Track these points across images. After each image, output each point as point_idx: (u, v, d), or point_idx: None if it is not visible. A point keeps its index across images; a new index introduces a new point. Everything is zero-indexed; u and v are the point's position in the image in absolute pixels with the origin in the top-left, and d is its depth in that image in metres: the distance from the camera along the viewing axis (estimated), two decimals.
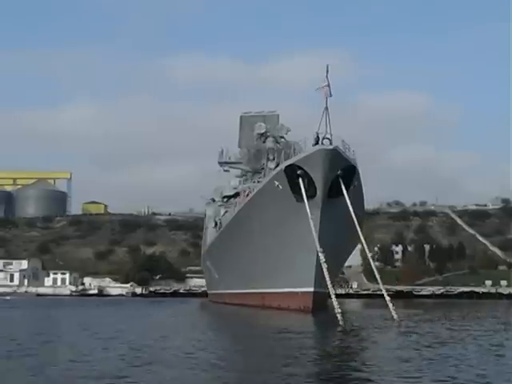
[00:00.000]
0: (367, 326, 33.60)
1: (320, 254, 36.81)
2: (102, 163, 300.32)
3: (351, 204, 40.08)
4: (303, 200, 40.11)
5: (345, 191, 40.17)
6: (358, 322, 37.49)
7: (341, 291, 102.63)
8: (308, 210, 39.14)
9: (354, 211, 40.02)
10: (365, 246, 44.35)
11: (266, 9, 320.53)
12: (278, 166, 63.55)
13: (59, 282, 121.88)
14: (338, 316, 32.26)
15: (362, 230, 41.97)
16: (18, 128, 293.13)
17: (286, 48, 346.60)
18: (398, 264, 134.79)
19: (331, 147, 40.10)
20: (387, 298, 37.34)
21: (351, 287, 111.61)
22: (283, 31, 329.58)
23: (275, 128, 69.03)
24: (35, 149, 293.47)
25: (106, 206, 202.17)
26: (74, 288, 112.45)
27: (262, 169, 63.11)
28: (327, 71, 40.46)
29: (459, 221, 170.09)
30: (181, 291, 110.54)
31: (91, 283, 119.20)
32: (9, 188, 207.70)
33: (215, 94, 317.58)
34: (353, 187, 42.06)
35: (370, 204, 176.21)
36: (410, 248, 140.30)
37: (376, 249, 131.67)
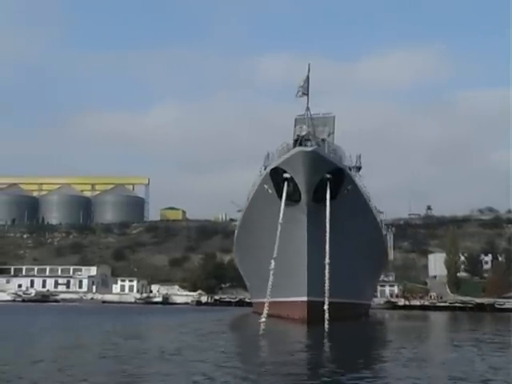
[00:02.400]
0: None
1: (313, 261, 36.56)
2: (183, 167, 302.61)
3: (343, 209, 39.33)
4: (290, 204, 39.19)
5: (328, 196, 38.62)
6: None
7: (415, 303, 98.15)
8: (295, 215, 38.81)
9: (352, 217, 39.86)
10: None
11: (355, 6, 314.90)
12: None
13: (127, 289, 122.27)
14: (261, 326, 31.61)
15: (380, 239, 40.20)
16: (99, 132, 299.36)
17: (378, 46, 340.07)
18: (486, 275, 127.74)
19: (310, 149, 38.64)
20: None
21: (430, 298, 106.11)
22: (373, 29, 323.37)
23: (317, 130, 67.98)
24: (114, 154, 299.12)
25: (184, 212, 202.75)
26: (138, 295, 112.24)
27: None
28: (308, 70, 39.48)
29: None
30: (246, 300, 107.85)
31: (159, 291, 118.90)
32: (87, 194, 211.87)
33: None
34: (346, 191, 40.69)
35: (459, 210, 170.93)
36: (500, 258, 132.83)
37: (462, 258, 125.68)
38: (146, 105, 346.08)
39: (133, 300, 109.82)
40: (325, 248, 38.15)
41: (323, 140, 68.10)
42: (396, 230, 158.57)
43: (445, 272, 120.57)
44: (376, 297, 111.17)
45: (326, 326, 33.22)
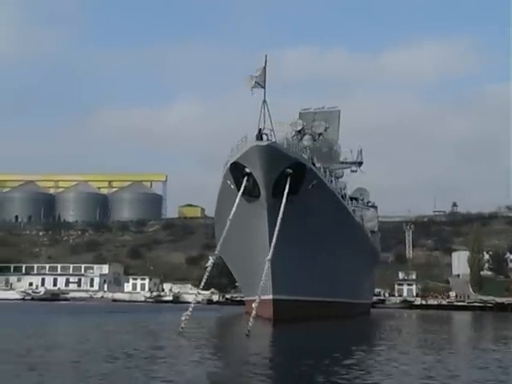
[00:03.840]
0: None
1: (278, 258, 35.64)
2: (202, 164, 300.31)
3: (308, 204, 39.26)
4: (251, 200, 39.29)
5: (286, 191, 38.09)
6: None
7: (432, 302, 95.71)
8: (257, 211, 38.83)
9: (320, 212, 39.67)
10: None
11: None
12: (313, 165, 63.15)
13: (139, 288, 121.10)
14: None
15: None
16: (117, 129, 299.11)
17: (402, 38, 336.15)
18: (511, 274, 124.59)
19: (265, 143, 37.97)
20: None
21: (448, 297, 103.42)
22: (398, 20, 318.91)
23: (313, 125, 67.89)
24: (132, 150, 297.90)
25: (203, 209, 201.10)
26: (148, 294, 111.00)
27: None
28: (265, 61, 38.35)
29: None
30: None
31: (172, 289, 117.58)
32: (104, 191, 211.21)
33: (329, 88, 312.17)
34: (311, 187, 40.20)
35: (484, 207, 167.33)
36: None
37: (487, 256, 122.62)
38: (167, 101, 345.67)
39: (143, 299, 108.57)
40: (290, 243, 38.76)
41: (320, 134, 68.27)
42: (419, 228, 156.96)
43: (468, 270, 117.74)
44: (393, 295, 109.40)
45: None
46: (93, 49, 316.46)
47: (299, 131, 67.84)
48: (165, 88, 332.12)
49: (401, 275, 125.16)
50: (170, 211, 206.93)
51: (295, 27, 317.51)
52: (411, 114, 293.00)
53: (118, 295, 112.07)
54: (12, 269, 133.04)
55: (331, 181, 67.00)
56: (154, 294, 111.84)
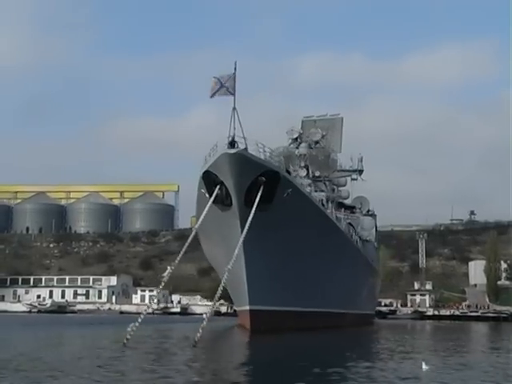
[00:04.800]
0: None
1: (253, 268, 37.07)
2: None
3: (284, 213, 39.07)
4: (224, 209, 39.23)
5: (257, 200, 37.69)
6: None
7: (444, 312, 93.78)
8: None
9: (297, 221, 39.57)
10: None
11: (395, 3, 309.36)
12: (308, 173, 64.89)
13: (147, 300, 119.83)
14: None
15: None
16: (128, 139, 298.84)
17: (423, 43, 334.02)
18: None
19: (234, 151, 37.20)
20: None
21: (461, 307, 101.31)
22: (418, 24, 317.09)
23: (309, 132, 68.35)
24: (143, 160, 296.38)
25: None
26: (155, 306, 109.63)
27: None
28: (235, 68, 37.77)
29: None
30: None
31: (180, 300, 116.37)
32: (116, 201, 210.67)
33: (344, 94, 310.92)
34: (286, 195, 39.58)
35: (503, 216, 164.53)
36: None
37: (505, 265, 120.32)
38: (180, 110, 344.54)
39: (150, 310, 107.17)
40: (266, 253, 38.79)
41: (316, 142, 68.23)
42: (436, 237, 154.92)
43: (485, 280, 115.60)
44: (406, 306, 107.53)
45: None
46: (105, 57, 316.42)
47: (295, 139, 67.85)
48: (177, 97, 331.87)
49: (416, 285, 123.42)
50: (183, 221, 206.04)
51: (312, 32, 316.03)
52: (431, 120, 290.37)
53: (125, 307, 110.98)
54: (20, 281, 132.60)
55: (325, 188, 66.53)
56: (162, 305, 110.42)
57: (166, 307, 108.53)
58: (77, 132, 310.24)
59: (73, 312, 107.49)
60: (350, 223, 61.44)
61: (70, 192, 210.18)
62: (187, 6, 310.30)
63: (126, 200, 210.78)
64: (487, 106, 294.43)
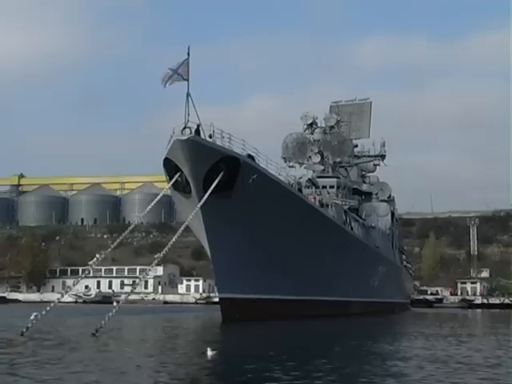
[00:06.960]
0: None
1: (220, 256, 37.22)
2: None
3: (250, 199, 38.82)
4: (187, 197, 39.52)
5: (213, 186, 36.98)
6: None
7: (494, 301, 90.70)
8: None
9: (269, 209, 39.72)
10: None
11: None
12: (322, 159, 66.00)
13: (192, 289, 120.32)
14: None
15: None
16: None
17: (490, 20, 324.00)
18: None
19: (185, 137, 36.69)
20: None
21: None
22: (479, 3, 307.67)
23: (324, 118, 67.99)
24: None
25: None
26: (198, 296, 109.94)
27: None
28: (188, 53, 36.51)
29: None
30: None
31: None
32: (169, 191, 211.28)
33: (409, 77, 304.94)
34: (251, 181, 38.77)
35: None
36: None
37: None
38: (240, 98, 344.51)
39: (193, 300, 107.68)
40: (233, 241, 38.70)
41: (331, 127, 67.32)
42: (496, 223, 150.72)
43: None
44: (456, 294, 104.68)
45: None
46: (158, 46, 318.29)
47: (310, 124, 67.67)
48: (233, 85, 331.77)
49: (472, 273, 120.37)
50: None
51: (370, 17, 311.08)
52: (496, 102, 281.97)
53: (169, 297, 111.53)
54: (69, 272, 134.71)
55: (346, 174, 65.36)
56: (204, 295, 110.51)
57: (209, 297, 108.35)
58: (131, 122, 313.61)
59: (117, 302, 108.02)
60: (348, 209, 59.23)
61: (124, 183, 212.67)
62: None
63: None
64: None
